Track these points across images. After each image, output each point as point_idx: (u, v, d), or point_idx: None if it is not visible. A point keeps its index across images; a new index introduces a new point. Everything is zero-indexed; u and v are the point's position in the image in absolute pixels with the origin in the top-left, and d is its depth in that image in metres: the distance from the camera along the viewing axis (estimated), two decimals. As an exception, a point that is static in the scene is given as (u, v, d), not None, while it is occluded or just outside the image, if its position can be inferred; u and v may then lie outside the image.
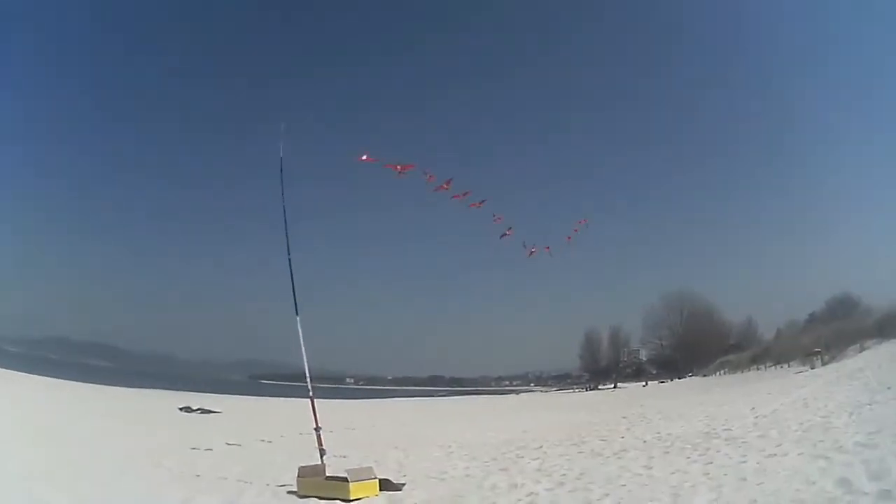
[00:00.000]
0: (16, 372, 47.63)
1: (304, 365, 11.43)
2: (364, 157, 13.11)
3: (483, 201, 15.00)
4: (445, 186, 14.59)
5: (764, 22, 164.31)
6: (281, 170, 12.21)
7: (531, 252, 15.61)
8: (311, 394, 11.20)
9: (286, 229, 11.79)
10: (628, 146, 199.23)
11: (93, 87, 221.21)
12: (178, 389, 54.72)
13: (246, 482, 11.25)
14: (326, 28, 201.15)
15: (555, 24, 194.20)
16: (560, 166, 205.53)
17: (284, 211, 11.91)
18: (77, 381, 50.60)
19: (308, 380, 11.32)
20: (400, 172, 13.62)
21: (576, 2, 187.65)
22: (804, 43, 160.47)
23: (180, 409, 32.67)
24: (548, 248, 16.03)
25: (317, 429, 10.75)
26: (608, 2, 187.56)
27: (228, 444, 17.47)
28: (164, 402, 37.60)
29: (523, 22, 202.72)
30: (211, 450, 16.13)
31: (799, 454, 9.65)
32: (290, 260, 11.66)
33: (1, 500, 8.47)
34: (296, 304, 11.43)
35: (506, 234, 16.12)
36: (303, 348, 11.31)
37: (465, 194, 14.80)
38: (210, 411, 32.43)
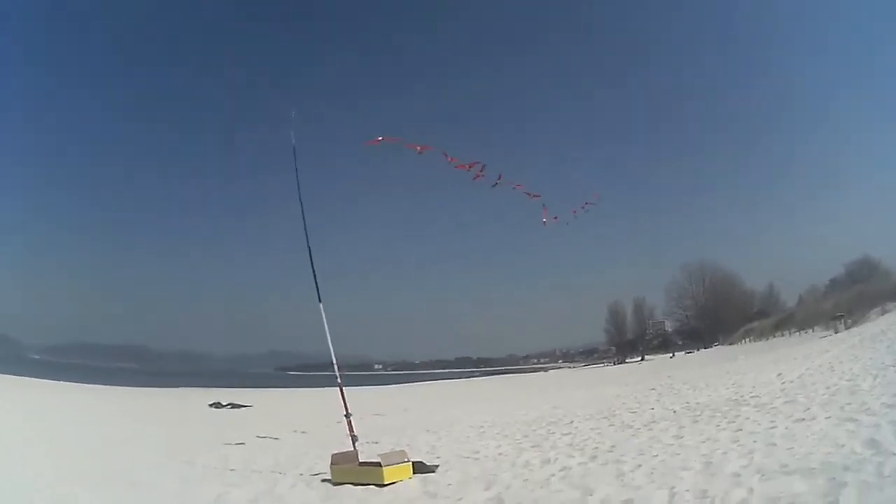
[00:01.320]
0: (42, 380, 48.12)
1: (330, 353, 11.31)
2: (380, 139, 12.90)
3: (500, 176, 14.50)
4: (468, 167, 14.19)
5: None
6: (294, 157, 11.93)
7: (545, 221, 15.06)
8: (339, 381, 11.05)
9: (303, 217, 11.68)
10: (646, 117, 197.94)
11: (106, 91, 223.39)
12: (207, 386, 55.33)
13: (279, 473, 11.27)
14: (338, 14, 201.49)
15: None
16: (578, 140, 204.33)
17: (301, 199, 11.74)
18: (105, 384, 51.13)
19: (335, 367, 11.23)
20: (420, 151, 13.32)
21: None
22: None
23: (210, 405, 33.01)
24: (556, 217, 15.45)
25: (347, 416, 10.65)
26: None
27: (260, 438, 17.59)
28: (193, 400, 37.97)
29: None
30: (243, 444, 16.23)
31: (827, 418, 9.61)
32: (309, 247, 11.47)
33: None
34: (318, 290, 11.30)
35: (530, 196, 15.46)
36: (328, 335, 11.20)
37: (482, 169, 14.34)
38: (240, 406, 32.89)
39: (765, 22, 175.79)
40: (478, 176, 14.06)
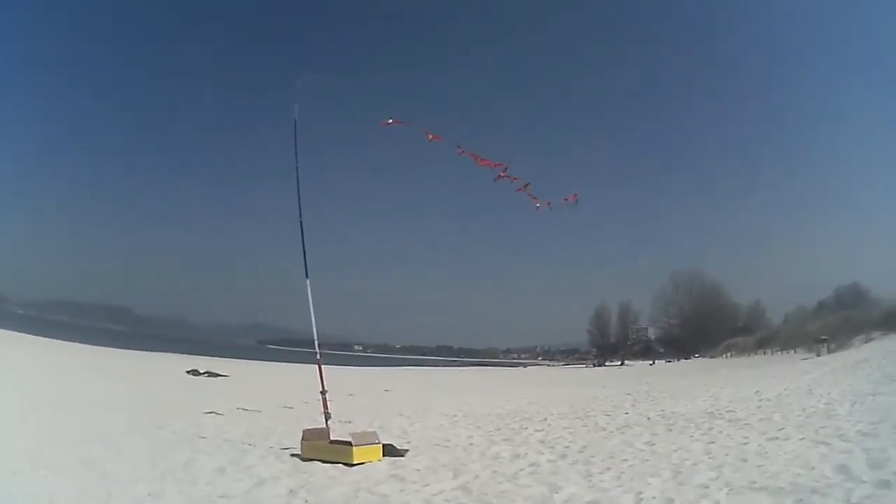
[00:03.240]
0: (25, 335, 48.57)
1: (312, 329, 11.37)
2: (391, 121, 12.63)
3: (506, 169, 13.93)
4: (478, 160, 13.63)
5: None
6: (295, 131, 11.90)
7: (538, 207, 14.48)
8: (318, 357, 11.08)
9: (298, 192, 11.62)
10: (639, 123, 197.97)
11: (107, 48, 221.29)
12: (187, 353, 55.49)
13: (249, 444, 11.34)
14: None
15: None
16: (570, 139, 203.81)
17: (297, 172, 11.73)
18: (87, 343, 51.20)
19: (316, 343, 11.28)
20: (430, 139, 12.95)
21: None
22: (812, 28, 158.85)
23: (187, 372, 32.99)
24: (549, 203, 14.89)
25: (323, 392, 10.71)
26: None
27: (233, 408, 17.53)
28: (172, 366, 38.11)
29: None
30: (215, 413, 16.19)
31: (800, 439, 9.64)
32: (301, 223, 11.54)
33: (6, 464, 8.57)
34: (306, 266, 11.31)
35: (522, 188, 14.81)
36: (312, 311, 11.22)
37: (506, 170, 13.81)
38: (217, 375, 32.88)
39: (771, 32, 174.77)
40: (490, 165, 13.59)
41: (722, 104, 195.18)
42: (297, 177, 11.70)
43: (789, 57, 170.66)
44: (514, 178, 13.76)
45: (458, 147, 13.13)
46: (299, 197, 11.62)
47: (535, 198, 13.98)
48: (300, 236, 11.58)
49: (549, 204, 14.49)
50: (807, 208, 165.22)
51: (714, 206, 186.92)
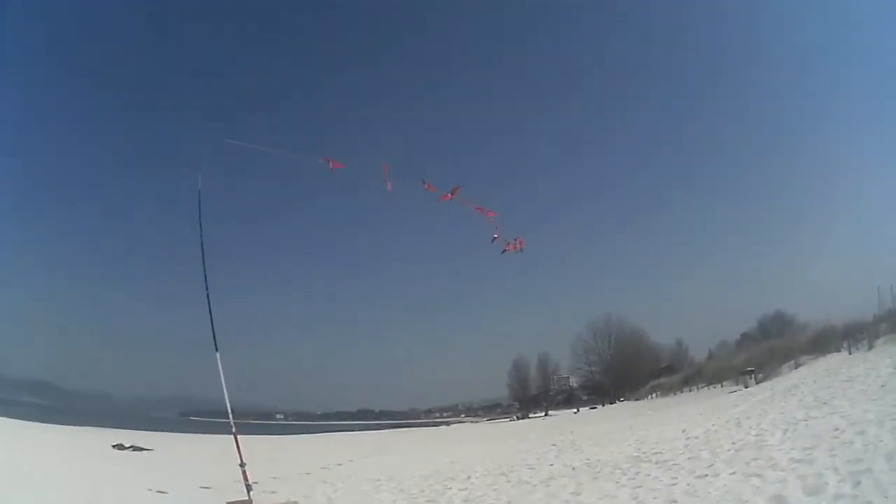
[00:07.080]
0: None
1: (226, 402, 11.50)
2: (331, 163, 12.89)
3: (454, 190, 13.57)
4: (449, 195, 13.30)
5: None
6: (199, 202, 12.24)
7: (507, 248, 13.97)
8: (233, 430, 11.32)
9: (204, 264, 11.84)
10: (556, 165, 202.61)
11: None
12: (111, 427, 54.23)
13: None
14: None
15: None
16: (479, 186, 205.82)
17: (202, 246, 12.00)
18: (11, 418, 49.69)
19: (230, 416, 11.45)
20: (427, 189, 13.02)
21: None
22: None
23: (113, 446, 32.29)
24: (517, 242, 14.31)
25: (242, 465, 10.81)
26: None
27: (158, 481, 16.88)
28: (97, 440, 37.00)
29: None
30: (140, 487, 15.57)
31: (731, 473, 9.62)
32: (208, 295, 11.71)
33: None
34: (215, 340, 11.41)
35: (504, 245, 14.27)
36: (224, 385, 11.34)
37: (453, 192, 13.47)
38: (142, 448, 32.31)
39: (699, 73, 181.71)
40: (446, 197, 13.25)
41: (634, 148, 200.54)
42: (202, 250, 12.04)
43: (711, 96, 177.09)
44: (490, 213, 13.60)
45: (463, 200, 13.33)
46: (205, 270, 11.88)
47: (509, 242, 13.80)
48: (208, 310, 11.78)
49: (517, 244, 14.08)
50: (723, 242, 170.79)
51: (628, 249, 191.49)
